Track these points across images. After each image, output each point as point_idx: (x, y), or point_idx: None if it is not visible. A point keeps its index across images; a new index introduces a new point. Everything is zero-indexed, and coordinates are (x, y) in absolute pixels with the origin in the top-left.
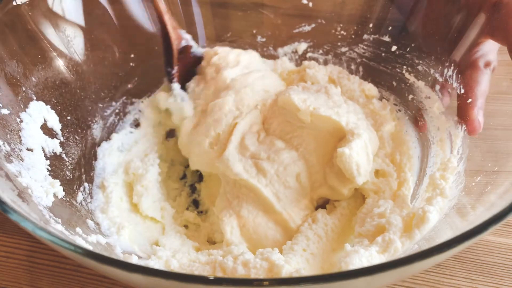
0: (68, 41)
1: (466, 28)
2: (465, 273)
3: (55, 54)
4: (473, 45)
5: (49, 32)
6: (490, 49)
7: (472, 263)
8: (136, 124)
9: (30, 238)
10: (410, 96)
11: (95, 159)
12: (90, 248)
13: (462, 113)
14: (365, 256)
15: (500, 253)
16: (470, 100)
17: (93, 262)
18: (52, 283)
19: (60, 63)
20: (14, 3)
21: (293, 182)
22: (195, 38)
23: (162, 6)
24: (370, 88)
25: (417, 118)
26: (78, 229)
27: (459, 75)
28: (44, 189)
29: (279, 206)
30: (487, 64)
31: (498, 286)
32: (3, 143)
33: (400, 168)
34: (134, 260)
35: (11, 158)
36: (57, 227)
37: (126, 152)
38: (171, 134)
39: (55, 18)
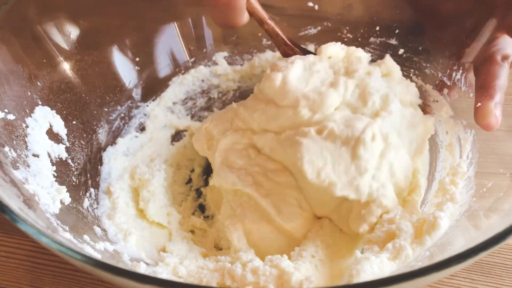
0: (73, 45)
1: (478, 30)
2: (465, 273)
3: (60, 58)
4: (485, 45)
5: (55, 35)
6: (508, 43)
7: (472, 263)
8: (142, 128)
9: (31, 238)
10: None
11: (101, 164)
12: (99, 256)
13: (478, 108)
14: (376, 263)
15: (500, 253)
16: (487, 93)
17: (105, 273)
18: (52, 283)
19: (65, 67)
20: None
21: (293, 200)
22: (202, 40)
23: (261, 14)
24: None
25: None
26: (85, 237)
27: (467, 77)
28: (51, 196)
29: (280, 218)
30: (504, 58)
31: (498, 286)
32: (10, 149)
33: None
34: (142, 268)
35: (17, 164)
36: (66, 235)
37: (131, 156)
38: (176, 138)
39: (61, 21)
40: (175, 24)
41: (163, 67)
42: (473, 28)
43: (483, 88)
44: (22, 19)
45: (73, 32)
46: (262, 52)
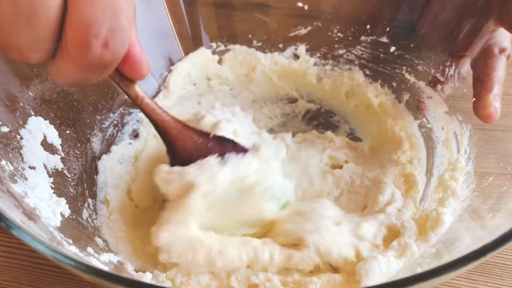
0: None
1: (471, 25)
2: (465, 273)
3: None
4: (480, 39)
5: None
6: (504, 36)
7: None
8: (135, 135)
9: None
10: (408, 95)
11: (97, 173)
12: (106, 269)
13: (477, 101)
14: (383, 261)
15: (500, 253)
16: (485, 86)
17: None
18: (52, 283)
19: None
20: None
21: None
22: (199, 39)
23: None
24: None
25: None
26: (89, 249)
27: (460, 72)
28: (51, 209)
29: None
30: (502, 51)
31: (498, 286)
32: (6, 163)
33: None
34: (148, 278)
35: (15, 178)
36: (71, 249)
37: (126, 164)
38: None
39: None
40: (172, 27)
41: (156, 71)
42: (466, 23)
43: (481, 81)
44: None
45: None
46: None
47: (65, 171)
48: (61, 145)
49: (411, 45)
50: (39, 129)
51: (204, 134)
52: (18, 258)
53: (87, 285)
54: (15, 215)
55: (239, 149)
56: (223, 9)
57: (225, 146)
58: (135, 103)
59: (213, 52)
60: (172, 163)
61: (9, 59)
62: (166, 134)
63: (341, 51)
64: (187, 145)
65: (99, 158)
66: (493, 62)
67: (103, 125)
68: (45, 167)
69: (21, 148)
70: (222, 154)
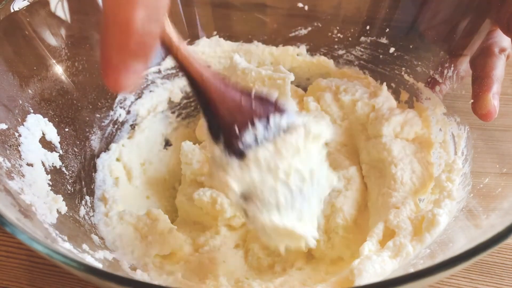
0: (64, 50)
1: (470, 26)
2: (465, 273)
3: (51, 64)
4: (478, 39)
5: (46, 42)
6: (504, 36)
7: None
8: None
9: None
10: (408, 95)
11: (95, 171)
12: (100, 266)
13: (477, 99)
14: (378, 262)
15: (500, 253)
16: (485, 84)
17: (114, 284)
18: (52, 283)
19: (56, 74)
20: (12, 10)
21: None
22: (197, 39)
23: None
24: None
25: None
26: (84, 246)
27: (459, 72)
28: (48, 206)
29: None
30: (502, 50)
31: (498, 285)
32: (4, 160)
33: None
34: (143, 276)
35: (12, 174)
36: (65, 246)
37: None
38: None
39: (52, 25)
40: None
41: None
42: (464, 22)
43: (481, 79)
44: (10, 27)
45: (63, 37)
46: None
47: (63, 169)
48: (59, 142)
49: (410, 46)
50: (37, 126)
51: (246, 93)
52: (18, 258)
53: (88, 285)
54: (10, 213)
55: (281, 109)
56: (222, 9)
57: (268, 107)
58: (170, 53)
59: None
60: (214, 135)
61: (8, 58)
62: (204, 93)
63: (340, 52)
64: (229, 106)
65: (98, 156)
66: (493, 61)
67: (103, 123)
68: (43, 165)
69: (19, 145)
70: (265, 116)
